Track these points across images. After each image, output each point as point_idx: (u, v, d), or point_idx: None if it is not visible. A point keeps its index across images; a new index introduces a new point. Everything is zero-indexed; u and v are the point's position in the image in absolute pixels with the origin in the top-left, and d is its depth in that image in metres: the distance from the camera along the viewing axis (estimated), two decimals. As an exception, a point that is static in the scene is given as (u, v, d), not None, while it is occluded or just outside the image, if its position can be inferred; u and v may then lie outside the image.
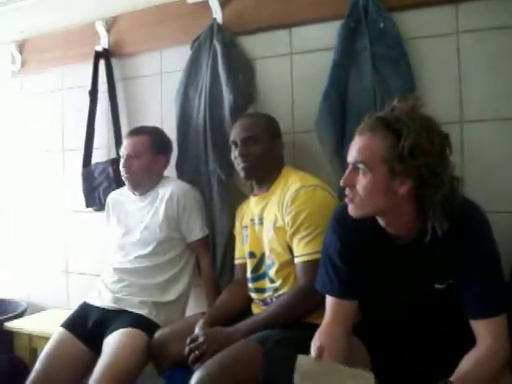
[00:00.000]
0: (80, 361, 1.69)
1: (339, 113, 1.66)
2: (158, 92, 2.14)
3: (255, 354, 1.29)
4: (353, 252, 1.23)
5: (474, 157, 1.55)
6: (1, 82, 2.64)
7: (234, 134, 1.66)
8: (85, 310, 1.82)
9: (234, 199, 1.86)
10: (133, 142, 1.88)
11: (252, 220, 1.66)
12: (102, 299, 1.81)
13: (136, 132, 1.92)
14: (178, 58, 2.04)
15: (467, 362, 1.06)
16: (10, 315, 2.26)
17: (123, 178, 1.89)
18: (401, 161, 1.07)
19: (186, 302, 1.89)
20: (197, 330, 1.49)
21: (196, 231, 1.85)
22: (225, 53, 1.86)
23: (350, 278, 1.24)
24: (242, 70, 1.86)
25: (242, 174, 1.64)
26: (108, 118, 2.21)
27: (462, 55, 1.57)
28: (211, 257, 1.89)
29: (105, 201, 2.05)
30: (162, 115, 2.12)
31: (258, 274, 1.62)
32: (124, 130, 2.13)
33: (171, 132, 1.97)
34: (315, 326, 1.23)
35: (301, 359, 1.04)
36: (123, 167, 1.87)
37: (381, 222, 1.19)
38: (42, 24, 2.44)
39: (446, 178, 1.08)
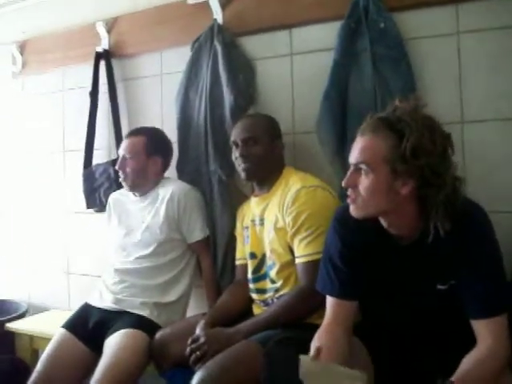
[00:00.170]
0: (81, 362, 1.70)
1: (340, 113, 1.65)
2: (159, 93, 2.14)
3: (256, 355, 1.29)
4: (354, 252, 1.23)
5: (475, 157, 1.54)
6: (2, 83, 2.64)
7: (235, 134, 1.66)
8: (86, 310, 1.82)
9: (234, 200, 1.86)
10: (129, 143, 1.88)
11: (253, 221, 1.66)
12: (103, 300, 1.81)
13: (133, 133, 1.92)
14: (178, 58, 2.04)
15: (468, 362, 1.06)
16: (11, 316, 2.26)
17: (120, 179, 1.90)
18: (403, 161, 1.07)
19: (187, 302, 1.89)
20: (198, 331, 1.49)
21: (197, 232, 1.84)
22: (225, 53, 1.86)
23: (351, 278, 1.24)
24: (242, 71, 1.86)
25: (242, 174, 1.64)
26: (109, 118, 2.21)
27: (463, 55, 1.57)
28: (212, 257, 1.88)
29: (106, 202, 2.05)
30: (163, 116, 2.12)
31: (259, 275, 1.62)
32: (124, 131, 2.13)
33: (172, 133, 1.97)
34: (316, 327, 1.23)
35: (302, 359, 1.05)
36: (118, 168, 1.87)
37: (383, 222, 1.19)
38: (43, 25, 2.44)
39: (448, 178, 1.08)
